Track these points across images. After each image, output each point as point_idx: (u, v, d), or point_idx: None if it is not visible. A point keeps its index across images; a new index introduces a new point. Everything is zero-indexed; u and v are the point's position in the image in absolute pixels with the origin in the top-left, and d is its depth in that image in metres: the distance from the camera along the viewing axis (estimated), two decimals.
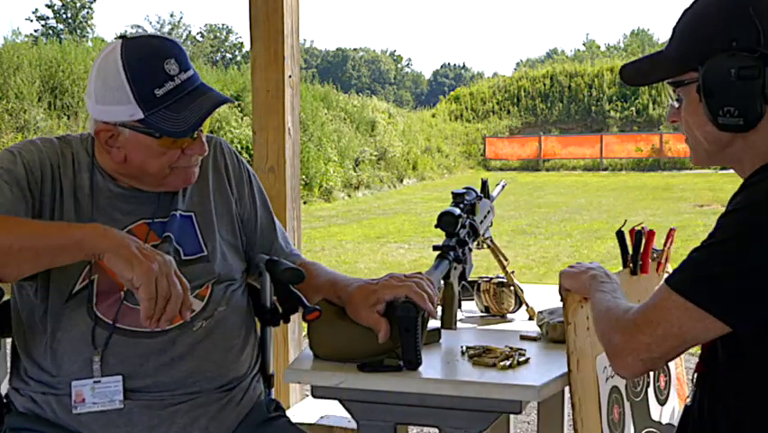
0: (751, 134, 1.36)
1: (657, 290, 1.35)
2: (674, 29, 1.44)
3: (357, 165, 20.05)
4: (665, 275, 2.01)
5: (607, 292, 1.53)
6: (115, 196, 1.70)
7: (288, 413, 1.91)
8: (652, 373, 1.99)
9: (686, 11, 1.43)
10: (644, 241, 1.88)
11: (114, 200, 1.70)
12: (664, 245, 1.99)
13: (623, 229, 1.91)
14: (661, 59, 1.45)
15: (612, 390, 1.77)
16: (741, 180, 1.41)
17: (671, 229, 2.02)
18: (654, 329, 1.32)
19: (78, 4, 59.09)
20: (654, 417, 1.99)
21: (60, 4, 58.95)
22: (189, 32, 70.30)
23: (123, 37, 1.65)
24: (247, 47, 12.28)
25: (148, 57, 1.61)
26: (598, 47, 79.31)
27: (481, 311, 2.14)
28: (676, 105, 1.45)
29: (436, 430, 1.64)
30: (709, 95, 1.35)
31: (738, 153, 1.40)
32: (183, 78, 1.62)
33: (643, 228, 1.90)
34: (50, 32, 55.92)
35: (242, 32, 79.94)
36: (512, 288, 2.11)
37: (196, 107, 1.61)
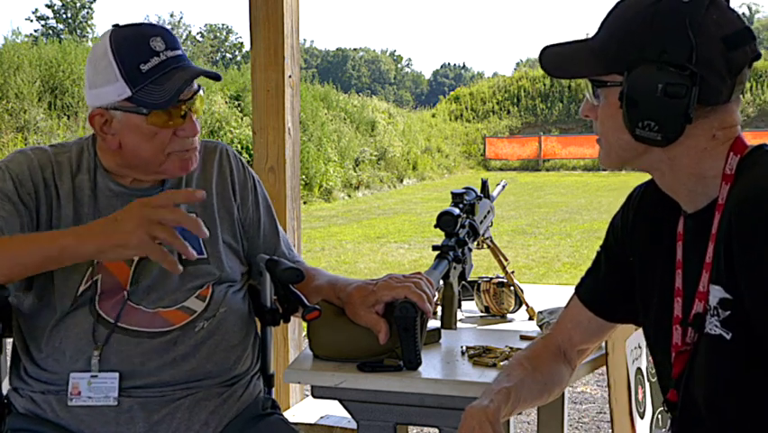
0: (672, 148, 1.26)
1: None
2: (604, 20, 1.30)
3: (357, 165, 20.04)
4: None
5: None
6: (116, 195, 1.71)
7: (288, 413, 1.91)
8: None
9: (619, 3, 1.30)
10: None
11: (115, 199, 1.70)
12: None
13: None
14: (586, 51, 1.30)
15: (637, 371, 1.81)
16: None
17: None
18: None
19: (78, 4, 59.09)
20: None
21: (60, 4, 58.96)
22: (189, 32, 70.37)
23: (115, 26, 1.68)
24: (247, 47, 12.28)
25: (134, 36, 1.64)
26: None
27: (481, 311, 2.14)
28: (594, 102, 1.33)
29: (436, 430, 1.64)
30: (632, 105, 1.24)
31: (656, 163, 1.30)
32: (169, 55, 1.64)
33: None
34: (50, 32, 55.94)
35: (242, 32, 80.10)
36: (512, 288, 2.11)
37: (178, 78, 1.63)
